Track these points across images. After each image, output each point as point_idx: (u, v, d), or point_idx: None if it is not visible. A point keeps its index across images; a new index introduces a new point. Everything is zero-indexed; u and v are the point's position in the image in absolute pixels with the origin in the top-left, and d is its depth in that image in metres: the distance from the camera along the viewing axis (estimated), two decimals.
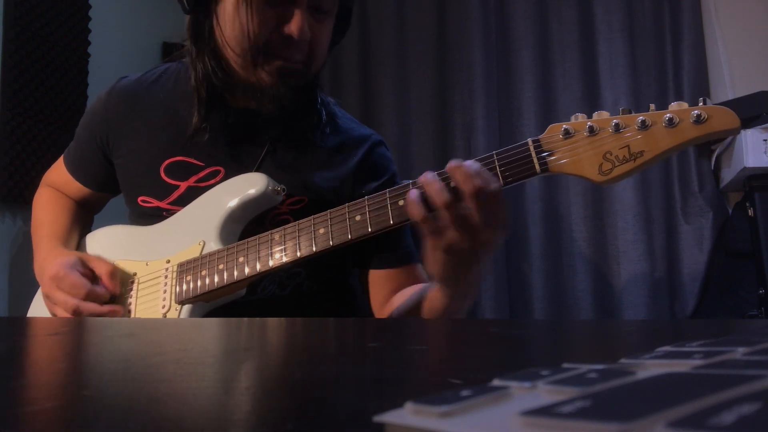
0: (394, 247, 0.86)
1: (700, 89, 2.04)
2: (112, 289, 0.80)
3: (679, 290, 2.02)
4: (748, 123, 1.72)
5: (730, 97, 2.00)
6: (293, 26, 0.73)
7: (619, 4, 2.15)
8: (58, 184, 0.98)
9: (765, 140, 1.72)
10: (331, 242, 0.69)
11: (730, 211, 2.01)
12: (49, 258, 0.84)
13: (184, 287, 0.76)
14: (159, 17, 2.23)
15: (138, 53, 2.22)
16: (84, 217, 0.98)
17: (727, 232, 1.97)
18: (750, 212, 1.79)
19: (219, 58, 0.79)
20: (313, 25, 0.76)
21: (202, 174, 0.83)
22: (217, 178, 0.82)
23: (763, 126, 1.72)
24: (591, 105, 2.14)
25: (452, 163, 0.63)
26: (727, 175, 1.93)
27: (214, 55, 0.80)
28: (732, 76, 2.06)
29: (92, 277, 0.81)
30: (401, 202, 0.67)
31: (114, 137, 0.88)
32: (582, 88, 2.16)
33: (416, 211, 0.63)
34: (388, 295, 0.86)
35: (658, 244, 2.06)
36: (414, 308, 0.79)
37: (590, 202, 2.12)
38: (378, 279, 0.87)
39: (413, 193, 0.63)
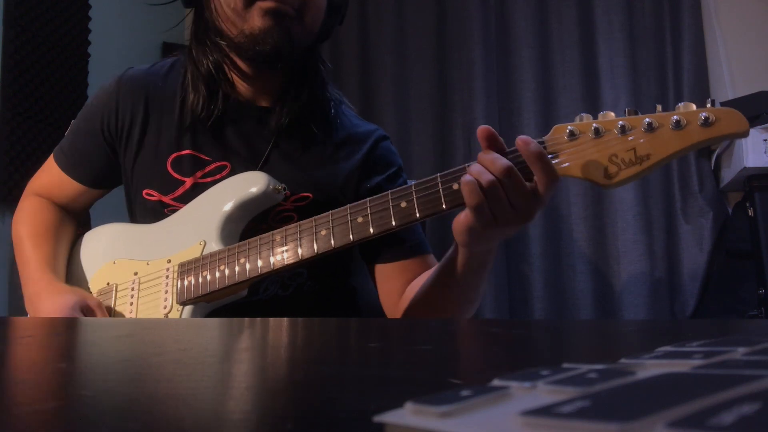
0: (404, 238, 0.85)
1: (700, 89, 2.04)
2: None
3: (679, 290, 2.02)
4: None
5: (730, 97, 2.00)
6: None
7: (619, 4, 2.15)
8: (46, 188, 0.94)
9: (765, 140, 1.72)
10: (332, 243, 0.69)
11: (730, 211, 2.01)
12: (44, 294, 0.80)
13: (186, 288, 0.76)
14: (159, 17, 2.23)
15: (138, 53, 2.22)
16: (69, 230, 0.94)
17: (727, 232, 1.97)
18: (750, 212, 1.79)
19: (214, 27, 0.80)
20: None
21: (208, 169, 0.83)
22: (224, 173, 0.82)
23: (763, 126, 1.72)
24: (591, 105, 2.14)
25: (521, 139, 0.61)
26: (727, 175, 1.93)
27: (209, 26, 0.81)
28: (732, 76, 2.06)
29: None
30: (403, 204, 0.66)
31: (123, 125, 0.87)
32: (582, 88, 2.16)
33: (468, 190, 0.61)
34: (401, 287, 0.85)
35: (658, 244, 2.06)
36: (432, 290, 0.77)
37: (590, 202, 2.12)
38: (390, 272, 0.86)
39: (467, 177, 0.61)
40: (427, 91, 2.31)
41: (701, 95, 2.03)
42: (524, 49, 2.22)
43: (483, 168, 0.61)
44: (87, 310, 0.78)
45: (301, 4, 0.77)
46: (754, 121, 1.73)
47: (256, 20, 0.76)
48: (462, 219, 0.65)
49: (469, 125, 2.22)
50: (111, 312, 0.82)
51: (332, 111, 0.88)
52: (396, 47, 2.35)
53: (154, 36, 2.30)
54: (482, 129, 0.64)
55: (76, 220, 0.97)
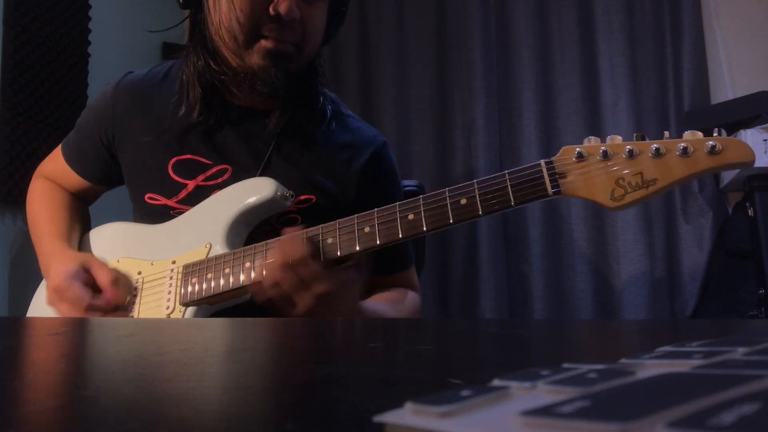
0: (389, 255, 0.86)
1: (700, 89, 2.04)
2: (115, 300, 0.78)
3: (679, 290, 2.02)
4: (748, 123, 1.72)
5: (730, 97, 2.00)
6: (280, 5, 0.74)
7: (619, 4, 2.15)
8: (54, 175, 0.97)
9: (765, 140, 1.72)
10: (338, 253, 0.69)
11: (730, 211, 2.01)
12: (53, 262, 0.83)
13: (189, 289, 0.76)
14: (159, 17, 2.22)
15: (138, 53, 2.22)
16: (81, 210, 0.97)
17: (727, 232, 1.97)
18: (750, 212, 1.79)
19: (213, 50, 0.81)
20: (304, 7, 0.77)
21: (209, 172, 0.83)
22: (225, 177, 0.83)
23: (763, 126, 1.72)
24: (591, 105, 2.14)
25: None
26: (727, 175, 1.93)
27: (208, 47, 0.81)
28: (732, 76, 2.06)
29: (95, 284, 0.80)
30: (411, 216, 0.67)
31: (120, 133, 0.88)
32: (582, 88, 2.16)
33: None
34: (366, 294, 0.88)
35: (658, 244, 2.06)
36: None
37: (590, 202, 2.12)
38: (375, 283, 0.89)
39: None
40: (427, 91, 2.31)
41: (701, 95, 2.03)
42: (524, 49, 2.22)
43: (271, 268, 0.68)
44: (89, 272, 0.80)
45: (301, 39, 0.78)
46: (754, 121, 1.73)
47: (256, 58, 0.77)
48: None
49: (469, 125, 2.22)
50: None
51: (329, 112, 0.88)
52: (396, 47, 2.35)
53: (154, 36, 2.30)
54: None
55: (86, 205, 1.00)
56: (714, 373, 0.14)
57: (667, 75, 2.09)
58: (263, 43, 0.76)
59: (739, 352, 0.17)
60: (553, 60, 2.21)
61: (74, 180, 0.95)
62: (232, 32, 0.76)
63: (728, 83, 2.06)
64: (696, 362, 0.16)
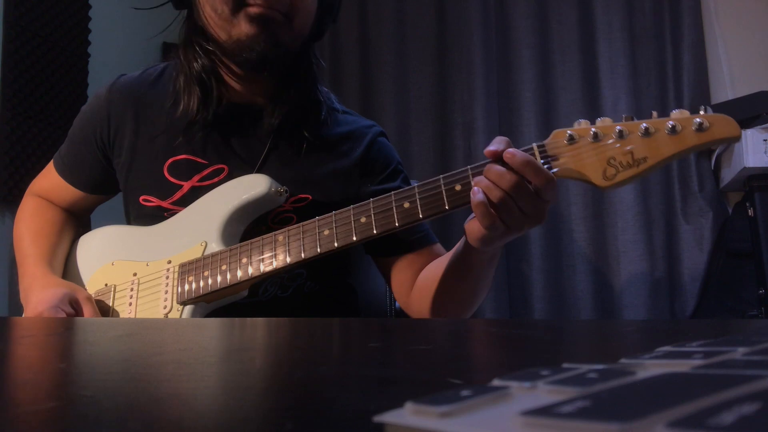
0: (411, 231, 0.85)
1: (700, 89, 2.04)
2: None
3: (679, 290, 2.02)
4: (748, 123, 1.72)
5: (730, 97, 2.00)
6: None
7: (619, 4, 2.15)
8: (46, 191, 0.95)
9: (765, 140, 1.72)
10: (335, 244, 0.69)
11: (730, 211, 2.01)
12: (35, 286, 0.80)
13: (186, 288, 0.76)
14: (159, 17, 2.22)
15: (138, 53, 2.21)
16: (71, 229, 0.94)
17: (727, 232, 1.97)
18: (750, 212, 1.79)
19: (205, 36, 0.80)
20: None
21: (205, 172, 0.83)
22: (221, 176, 0.82)
23: (763, 126, 1.72)
24: (591, 105, 2.14)
25: (509, 153, 0.63)
26: (727, 175, 1.93)
27: (201, 34, 0.81)
28: (732, 76, 2.06)
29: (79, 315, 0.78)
30: (406, 204, 0.67)
31: (115, 135, 0.88)
32: (582, 88, 2.16)
33: (481, 213, 0.63)
34: (411, 279, 0.86)
35: (658, 244, 2.06)
36: (447, 282, 0.79)
37: (590, 202, 2.12)
38: (398, 265, 0.87)
39: (478, 190, 0.63)
40: (427, 90, 2.31)
41: (701, 95, 2.03)
42: (524, 49, 2.22)
43: (491, 183, 0.63)
44: (75, 303, 0.78)
45: (290, 8, 0.77)
46: (754, 121, 1.73)
47: (243, 26, 0.76)
48: (476, 229, 0.66)
49: (469, 125, 2.22)
50: (110, 312, 0.82)
51: (324, 109, 0.87)
52: (396, 47, 2.35)
53: (154, 36, 2.30)
54: (489, 152, 0.65)
55: (78, 221, 0.97)
56: (714, 373, 0.14)
57: (667, 75, 2.09)
58: (249, 9, 0.75)
59: (739, 352, 0.17)
60: (553, 60, 2.21)
61: (68, 193, 0.93)
62: (220, 3, 0.75)
63: (728, 83, 2.06)
64: (696, 362, 0.16)
